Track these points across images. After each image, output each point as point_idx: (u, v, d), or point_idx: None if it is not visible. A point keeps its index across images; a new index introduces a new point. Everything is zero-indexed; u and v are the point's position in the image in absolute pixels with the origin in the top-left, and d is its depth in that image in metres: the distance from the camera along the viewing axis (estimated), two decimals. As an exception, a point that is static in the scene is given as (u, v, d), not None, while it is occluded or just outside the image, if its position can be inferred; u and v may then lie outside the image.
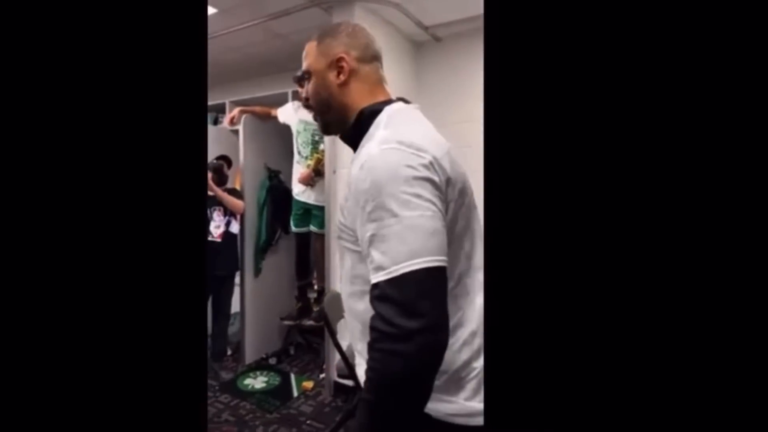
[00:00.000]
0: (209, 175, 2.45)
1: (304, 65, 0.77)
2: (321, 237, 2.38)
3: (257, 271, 2.77)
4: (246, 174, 2.72)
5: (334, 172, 2.19)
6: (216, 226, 2.48)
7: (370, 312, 0.60)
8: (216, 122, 3.42)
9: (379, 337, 0.55)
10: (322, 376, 2.45)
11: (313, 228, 2.45)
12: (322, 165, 2.29)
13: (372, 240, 0.58)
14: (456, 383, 0.64)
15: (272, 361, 2.75)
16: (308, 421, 2.07)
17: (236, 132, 2.77)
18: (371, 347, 0.56)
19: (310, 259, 2.67)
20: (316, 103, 0.76)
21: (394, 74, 2.30)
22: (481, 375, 0.66)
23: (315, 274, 2.68)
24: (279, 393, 2.36)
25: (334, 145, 2.17)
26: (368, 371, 0.57)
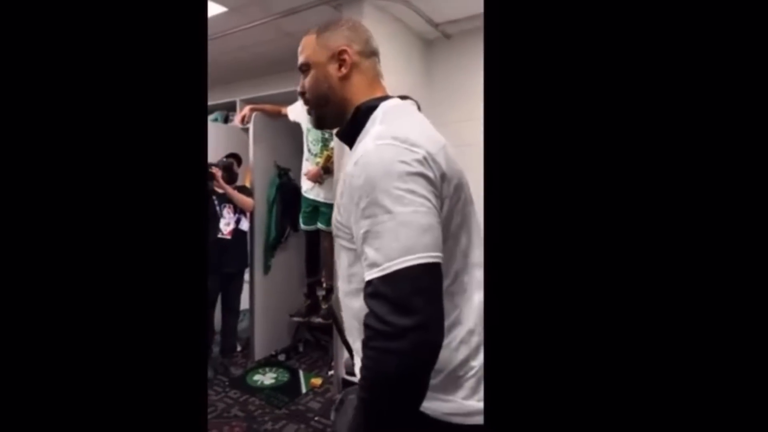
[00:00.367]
0: (219, 172, 2.48)
1: (302, 58, 0.76)
2: (329, 235, 2.39)
3: (267, 268, 2.79)
4: (256, 172, 2.74)
5: (343, 170, 2.18)
6: (226, 224, 2.50)
7: (366, 310, 0.60)
8: (227, 120, 3.45)
9: (372, 335, 0.55)
10: (330, 373, 2.47)
11: (321, 226, 2.46)
12: (332, 162, 2.29)
13: (366, 237, 0.58)
14: (453, 382, 0.63)
15: (281, 357, 2.77)
16: (316, 418, 2.08)
17: (247, 130, 2.79)
18: (365, 345, 0.56)
19: (319, 256, 2.68)
20: (314, 96, 0.75)
21: (403, 72, 2.33)
22: (480, 374, 0.65)
23: (324, 272, 2.69)
24: (288, 389, 2.37)
25: (341, 144, 2.17)
26: (362, 369, 0.57)
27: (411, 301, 0.53)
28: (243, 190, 2.62)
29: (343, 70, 0.72)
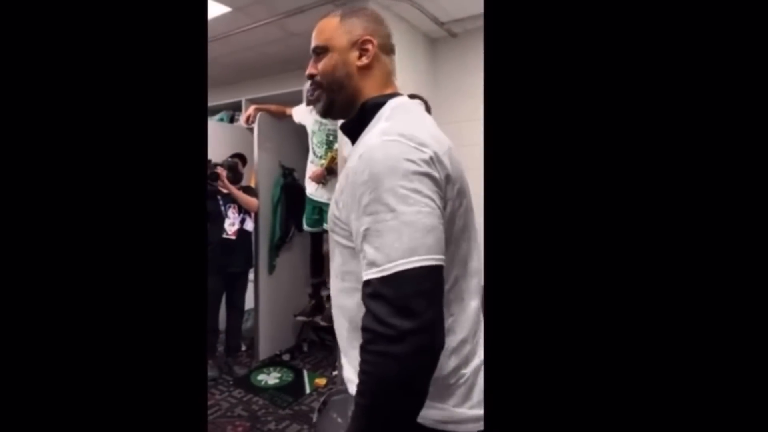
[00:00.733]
0: (224, 172, 2.48)
1: (320, 40, 0.72)
2: (333, 235, 2.38)
3: (271, 268, 2.79)
4: (260, 172, 2.74)
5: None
6: (231, 224, 2.50)
7: (358, 310, 0.59)
8: (232, 120, 3.46)
9: (371, 338, 0.53)
10: (334, 373, 2.46)
11: (326, 226, 2.46)
12: (336, 164, 2.29)
13: (366, 234, 0.56)
14: (445, 390, 0.62)
15: (286, 357, 2.77)
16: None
17: (252, 130, 2.80)
18: (363, 349, 0.55)
19: (323, 257, 2.68)
20: (329, 81, 0.72)
21: (409, 70, 2.31)
22: (470, 381, 0.64)
23: (328, 272, 2.68)
24: (292, 389, 2.37)
25: (347, 144, 2.17)
26: (361, 374, 0.55)
27: (412, 303, 0.52)
28: (248, 190, 2.63)
29: (364, 60, 0.70)
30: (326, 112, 0.75)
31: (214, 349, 2.60)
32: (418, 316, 0.52)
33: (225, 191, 2.48)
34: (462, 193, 0.64)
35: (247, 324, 2.89)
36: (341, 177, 0.66)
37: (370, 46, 0.70)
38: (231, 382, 2.44)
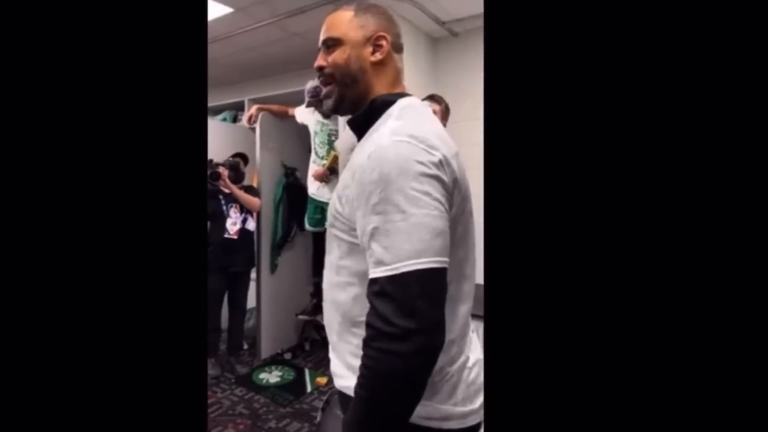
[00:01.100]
0: (226, 172, 2.50)
1: (333, 32, 0.71)
2: (335, 235, 2.39)
3: (273, 268, 2.81)
4: (262, 171, 2.75)
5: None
6: (232, 223, 2.52)
7: (352, 305, 0.59)
8: (235, 120, 3.47)
9: (375, 334, 0.55)
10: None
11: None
12: (338, 163, 2.29)
13: (374, 233, 0.57)
14: (430, 387, 0.63)
15: (287, 356, 2.78)
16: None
17: (254, 130, 2.81)
18: (366, 344, 0.56)
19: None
20: (342, 73, 0.70)
21: (410, 70, 2.30)
22: (455, 378, 0.65)
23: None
24: (293, 388, 2.39)
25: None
26: (362, 368, 0.56)
27: (417, 303, 0.53)
28: (250, 189, 2.64)
29: (378, 56, 0.70)
30: (336, 108, 0.74)
31: (216, 348, 2.61)
32: (422, 317, 0.53)
33: (227, 191, 2.50)
34: (465, 198, 0.65)
35: (249, 323, 2.91)
36: (346, 173, 0.67)
37: (384, 43, 0.70)
38: (233, 381, 2.46)
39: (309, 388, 2.38)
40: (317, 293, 2.77)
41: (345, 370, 0.68)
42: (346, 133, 1.90)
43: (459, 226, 0.64)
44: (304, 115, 2.53)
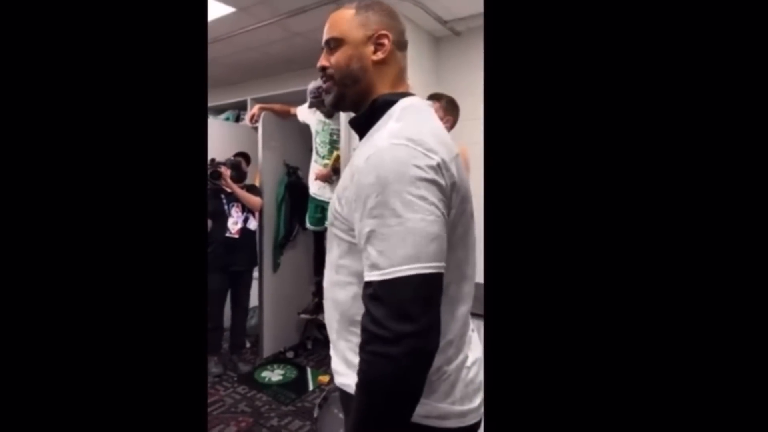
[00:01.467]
0: (228, 171, 2.50)
1: (335, 32, 0.71)
2: (337, 235, 2.39)
3: (276, 266, 2.81)
4: (265, 171, 2.76)
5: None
6: (234, 222, 2.52)
7: (351, 303, 0.60)
8: (238, 119, 3.49)
9: (369, 338, 0.55)
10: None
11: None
12: (339, 163, 2.30)
13: (370, 236, 0.57)
14: (428, 386, 0.63)
15: (290, 354, 2.79)
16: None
17: (257, 129, 2.82)
18: (361, 348, 0.56)
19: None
20: (342, 74, 0.70)
21: (412, 69, 2.29)
22: (452, 378, 0.65)
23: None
24: (295, 386, 2.39)
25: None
26: (358, 372, 0.57)
27: (410, 308, 0.53)
28: (252, 189, 2.64)
29: (380, 55, 0.69)
30: (336, 105, 0.74)
31: (218, 347, 2.63)
32: (414, 321, 0.53)
33: (228, 190, 2.50)
34: (465, 201, 0.65)
35: (251, 322, 2.92)
36: (345, 174, 0.67)
37: (386, 41, 0.69)
38: (235, 379, 2.47)
39: (311, 387, 2.39)
40: (319, 292, 2.77)
41: (344, 368, 0.68)
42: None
43: (458, 227, 0.64)
44: (306, 114, 2.53)
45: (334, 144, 2.40)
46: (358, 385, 0.57)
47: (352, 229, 0.63)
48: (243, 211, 2.57)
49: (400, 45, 0.72)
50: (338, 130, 2.35)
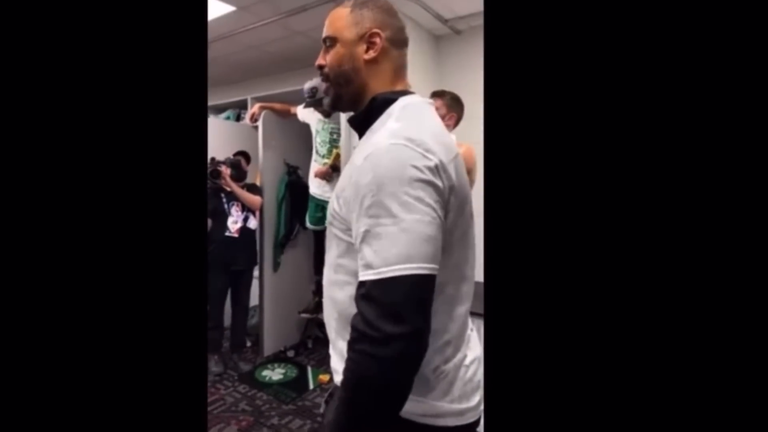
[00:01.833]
0: (228, 170, 2.50)
1: (329, 31, 0.71)
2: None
3: (276, 266, 2.81)
4: (265, 169, 2.76)
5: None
6: (233, 222, 2.52)
7: (349, 303, 0.60)
8: (238, 118, 3.48)
9: (358, 337, 0.55)
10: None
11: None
12: (340, 162, 2.30)
13: (365, 236, 0.57)
14: (425, 384, 0.63)
15: (290, 353, 2.79)
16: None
17: (257, 128, 2.81)
18: (350, 347, 0.56)
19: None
20: (335, 74, 0.71)
21: (413, 68, 2.29)
22: (450, 376, 0.65)
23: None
24: (295, 385, 2.40)
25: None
26: (345, 371, 0.57)
27: (401, 309, 0.53)
28: (252, 188, 2.64)
29: (371, 53, 0.69)
30: (334, 106, 0.75)
31: (219, 346, 2.63)
32: (405, 322, 0.53)
33: (228, 189, 2.50)
34: (464, 202, 0.64)
35: (252, 321, 2.92)
36: (345, 174, 0.67)
37: (377, 40, 0.69)
38: (236, 378, 2.47)
39: (311, 386, 2.39)
40: (319, 291, 2.77)
41: (342, 367, 0.68)
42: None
43: (457, 229, 0.63)
44: (306, 114, 2.53)
45: (334, 143, 2.39)
46: (344, 382, 0.57)
47: (350, 229, 0.62)
48: (243, 210, 2.57)
49: (397, 42, 0.71)
50: (338, 129, 2.35)
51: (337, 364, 0.70)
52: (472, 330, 0.75)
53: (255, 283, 2.77)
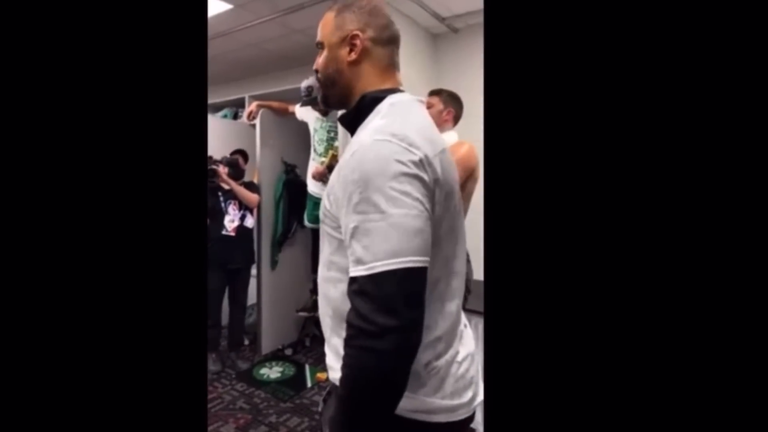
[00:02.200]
0: (225, 169, 2.50)
1: (319, 36, 0.75)
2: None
3: (274, 264, 2.81)
4: (262, 168, 2.76)
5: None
6: (230, 220, 2.52)
7: (342, 300, 0.60)
8: (236, 117, 3.48)
9: (354, 333, 0.56)
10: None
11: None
12: (336, 161, 2.30)
13: (354, 232, 0.58)
14: (417, 381, 0.64)
15: (288, 352, 2.80)
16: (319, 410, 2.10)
17: (255, 127, 2.81)
18: (347, 343, 0.57)
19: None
20: (323, 77, 0.74)
21: (411, 66, 2.31)
22: (442, 372, 0.66)
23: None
24: (293, 383, 2.40)
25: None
26: (343, 366, 0.57)
27: (394, 302, 0.54)
28: (250, 186, 2.64)
29: (353, 56, 0.70)
30: (325, 105, 0.78)
31: (217, 344, 2.63)
32: (399, 315, 0.54)
33: (226, 187, 2.50)
34: (450, 196, 0.65)
35: (249, 319, 2.92)
36: (334, 172, 0.67)
37: (357, 42, 0.70)
38: (233, 376, 2.47)
39: (309, 384, 2.39)
40: (317, 290, 2.77)
41: (338, 364, 0.68)
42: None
43: (444, 223, 0.64)
44: (304, 112, 2.52)
45: (331, 141, 2.39)
46: (342, 379, 0.58)
47: (341, 226, 0.63)
48: (240, 208, 2.56)
49: (381, 41, 0.72)
50: (336, 127, 2.35)
51: (333, 361, 0.70)
52: (465, 326, 0.75)
53: (253, 282, 2.77)
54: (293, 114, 2.60)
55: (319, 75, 0.75)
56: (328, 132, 2.40)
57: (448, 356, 0.67)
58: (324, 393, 0.77)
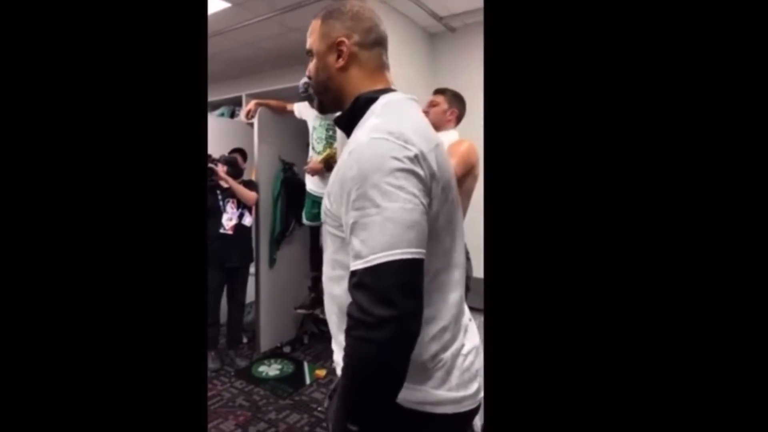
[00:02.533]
0: (224, 168, 2.50)
1: (308, 43, 0.77)
2: (333, 229, 2.40)
3: (272, 262, 2.82)
4: (260, 166, 2.76)
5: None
6: (228, 219, 2.52)
7: (346, 297, 0.62)
8: (233, 115, 3.47)
9: (353, 324, 0.57)
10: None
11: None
12: (334, 160, 2.30)
13: (353, 227, 0.60)
14: (423, 373, 0.65)
15: (286, 349, 2.81)
16: (319, 408, 2.11)
17: (252, 125, 2.81)
18: (347, 334, 0.58)
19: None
20: (315, 84, 0.77)
21: (409, 65, 2.31)
22: (448, 365, 0.67)
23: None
24: (292, 380, 2.41)
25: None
26: (344, 357, 0.59)
27: (391, 293, 0.55)
28: (248, 184, 2.63)
29: (341, 62, 0.72)
30: (321, 110, 0.81)
31: (215, 342, 2.63)
32: (396, 306, 0.55)
33: (225, 185, 2.50)
34: (447, 190, 0.66)
35: (248, 317, 2.92)
36: (333, 172, 0.69)
37: (344, 48, 0.72)
38: (232, 374, 2.48)
39: (308, 381, 2.41)
40: (315, 287, 2.79)
41: None
42: None
43: (441, 216, 0.66)
44: (303, 110, 2.53)
45: (330, 139, 2.40)
46: (344, 369, 0.60)
47: (342, 225, 0.64)
48: (238, 207, 2.56)
49: (367, 44, 0.73)
50: (335, 125, 2.35)
51: (339, 357, 0.71)
52: (471, 320, 0.77)
53: (251, 280, 2.77)
54: (291, 112, 2.60)
55: (311, 82, 0.78)
56: (327, 130, 2.40)
57: (454, 348, 0.69)
58: (330, 390, 0.79)
